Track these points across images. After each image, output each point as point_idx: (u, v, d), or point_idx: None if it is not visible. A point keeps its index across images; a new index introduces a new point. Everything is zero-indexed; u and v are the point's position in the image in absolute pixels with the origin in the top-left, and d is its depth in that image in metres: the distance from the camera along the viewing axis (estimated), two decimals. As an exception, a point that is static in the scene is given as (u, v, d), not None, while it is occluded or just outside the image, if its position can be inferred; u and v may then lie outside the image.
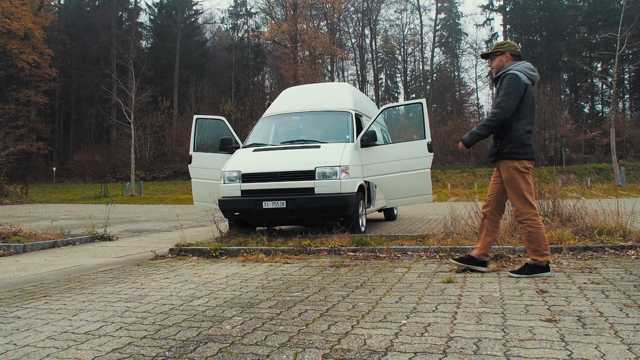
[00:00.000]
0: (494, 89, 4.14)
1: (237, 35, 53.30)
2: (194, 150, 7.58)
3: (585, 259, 4.45)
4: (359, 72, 53.75)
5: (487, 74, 51.58)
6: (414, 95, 52.14)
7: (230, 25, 54.44)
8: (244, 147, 7.21)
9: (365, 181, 6.90)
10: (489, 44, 51.96)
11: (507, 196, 3.96)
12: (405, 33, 53.83)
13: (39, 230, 7.59)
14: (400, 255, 5.00)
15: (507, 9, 49.58)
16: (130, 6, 52.30)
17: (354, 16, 53.48)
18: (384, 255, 5.00)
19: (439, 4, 53.18)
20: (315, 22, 50.47)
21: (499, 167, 3.94)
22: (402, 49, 53.24)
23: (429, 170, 7.04)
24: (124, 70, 42.19)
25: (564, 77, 46.95)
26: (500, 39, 51.03)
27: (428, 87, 51.21)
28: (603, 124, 37.71)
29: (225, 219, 7.06)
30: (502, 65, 4.04)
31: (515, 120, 3.81)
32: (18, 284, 4.26)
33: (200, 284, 3.99)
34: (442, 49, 54.91)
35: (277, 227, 7.49)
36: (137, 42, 50.27)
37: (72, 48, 47.11)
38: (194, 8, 53.89)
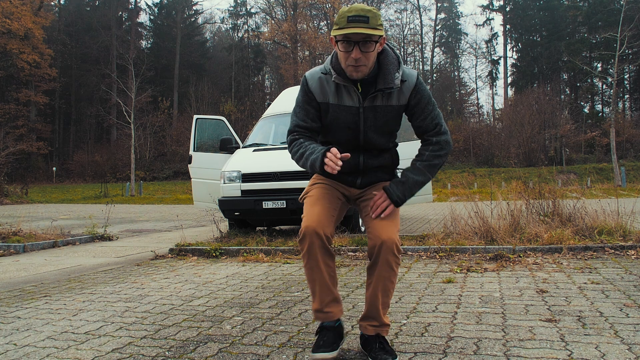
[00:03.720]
0: (359, 99, 2.18)
1: (237, 35, 53.34)
2: (194, 150, 7.59)
3: (585, 259, 4.45)
4: (359, 72, 53.67)
5: (487, 74, 51.65)
6: (414, 95, 52.04)
7: (230, 25, 54.52)
8: (244, 147, 7.22)
9: None
10: (489, 44, 51.97)
11: None
12: (405, 33, 53.89)
13: (39, 230, 7.59)
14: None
15: (507, 9, 49.58)
16: (130, 6, 52.36)
17: (354, 16, 53.41)
18: (384, 255, 4.99)
19: (439, 4, 53.22)
20: (315, 22, 50.46)
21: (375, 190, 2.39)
22: (402, 49, 53.22)
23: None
24: (124, 70, 42.23)
25: (564, 77, 47.00)
26: (500, 39, 51.16)
27: (428, 87, 51.13)
28: (603, 124, 37.73)
29: (225, 219, 7.06)
30: (374, 58, 2.09)
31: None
32: (18, 284, 4.26)
33: (200, 284, 3.99)
34: (442, 49, 54.98)
35: (277, 227, 7.48)
36: (137, 42, 50.28)
37: (72, 48, 47.17)
38: (194, 8, 53.97)
